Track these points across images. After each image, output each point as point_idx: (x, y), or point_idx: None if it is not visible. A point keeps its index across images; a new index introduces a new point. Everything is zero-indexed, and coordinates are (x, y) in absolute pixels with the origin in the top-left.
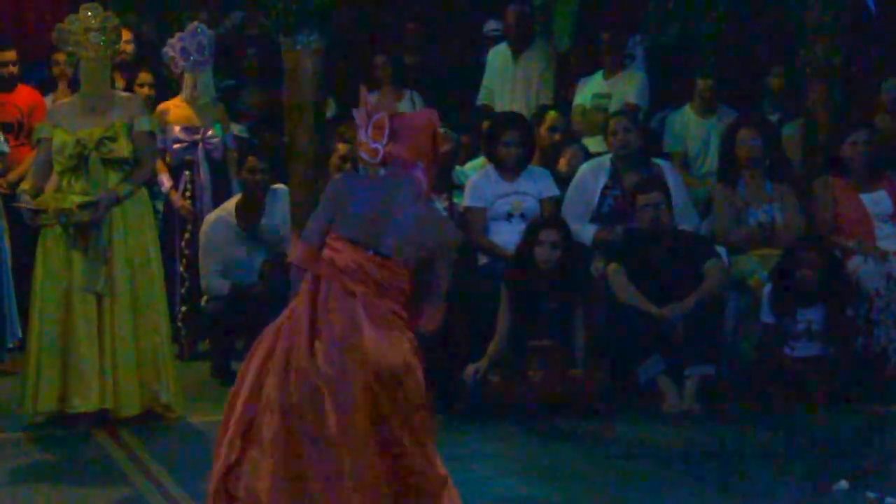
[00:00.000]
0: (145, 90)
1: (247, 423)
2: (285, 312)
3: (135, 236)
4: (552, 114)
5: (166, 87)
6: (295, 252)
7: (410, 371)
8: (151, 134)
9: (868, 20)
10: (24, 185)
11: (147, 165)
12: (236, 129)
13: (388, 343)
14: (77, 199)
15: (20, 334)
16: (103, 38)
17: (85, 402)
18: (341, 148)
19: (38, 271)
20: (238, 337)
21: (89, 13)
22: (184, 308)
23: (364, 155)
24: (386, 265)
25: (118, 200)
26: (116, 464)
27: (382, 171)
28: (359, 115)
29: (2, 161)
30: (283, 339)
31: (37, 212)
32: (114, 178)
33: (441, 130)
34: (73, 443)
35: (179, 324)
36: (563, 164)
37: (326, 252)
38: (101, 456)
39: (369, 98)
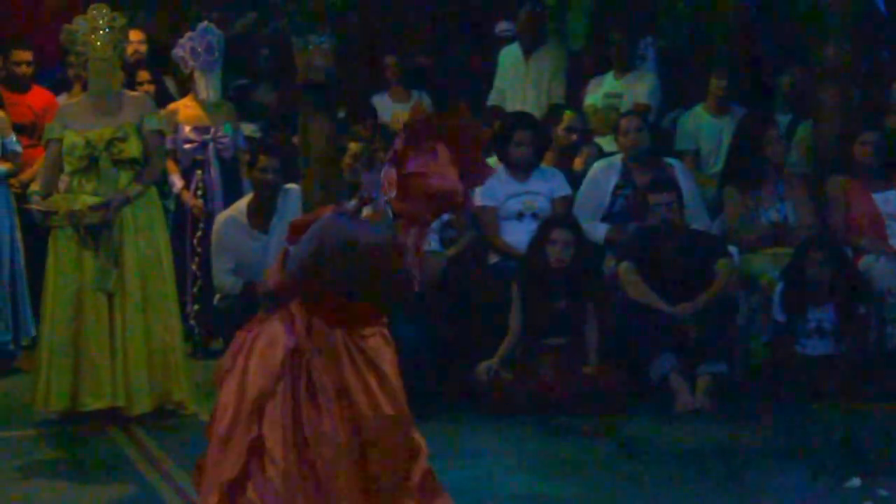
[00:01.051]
0: (145, 87)
1: (251, 440)
2: (272, 331)
3: (145, 236)
4: (569, 114)
5: (176, 85)
6: (274, 278)
7: (398, 424)
8: (161, 133)
9: (878, 21)
10: (35, 187)
11: (157, 165)
12: (249, 128)
13: (377, 392)
14: (88, 199)
15: (34, 332)
16: (110, 38)
17: (96, 399)
18: (353, 147)
19: (50, 271)
20: None
21: (96, 13)
22: (196, 307)
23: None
24: (362, 306)
25: (128, 201)
26: (129, 461)
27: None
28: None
29: (15, 161)
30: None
31: (48, 213)
32: (124, 178)
33: (456, 204)
34: (86, 440)
35: (192, 322)
36: (578, 164)
37: (307, 289)
38: (114, 453)
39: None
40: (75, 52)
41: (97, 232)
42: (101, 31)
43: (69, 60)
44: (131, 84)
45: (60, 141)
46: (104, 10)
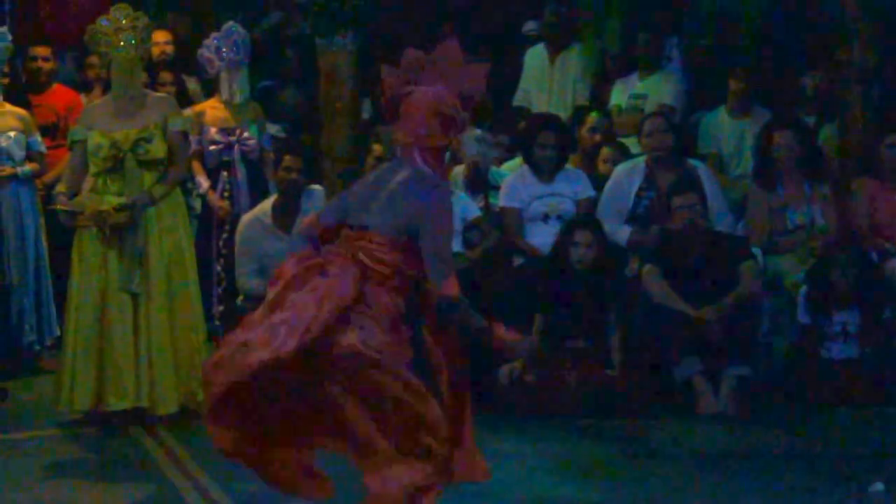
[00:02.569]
0: (167, 88)
1: None
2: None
3: (169, 236)
4: (593, 115)
5: (201, 86)
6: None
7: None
8: (185, 134)
9: None
10: (60, 188)
11: (181, 166)
12: (274, 129)
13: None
14: (113, 200)
15: (58, 332)
16: (133, 37)
17: (120, 400)
18: (377, 148)
19: (74, 270)
20: None
21: (118, 13)
22: (221, 307)
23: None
24: (364, 236)
25: (153, 201)
26: (153, 461)
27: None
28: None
29: (39, 161)
30: None
31: (73, 213)
32: (149, 178)
33: (450, 109)
34: (110, 440)
35: (217, 323)
36: (602, 166)
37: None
38: (138, 453)
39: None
40: (99, 52)
41: (122, 232)
42: (124, 32)
43: (90, 61)
44: (153, 85)
45: (85, 142)
46: (127, 10)
